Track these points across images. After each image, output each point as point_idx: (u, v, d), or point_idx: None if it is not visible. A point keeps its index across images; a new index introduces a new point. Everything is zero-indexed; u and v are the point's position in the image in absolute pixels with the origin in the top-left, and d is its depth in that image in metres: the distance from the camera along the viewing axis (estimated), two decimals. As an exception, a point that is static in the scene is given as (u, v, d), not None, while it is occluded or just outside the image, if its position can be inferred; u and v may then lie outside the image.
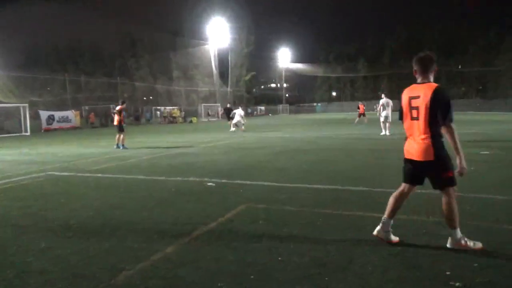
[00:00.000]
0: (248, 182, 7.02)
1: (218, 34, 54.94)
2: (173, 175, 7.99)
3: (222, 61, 59.11)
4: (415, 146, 3.62)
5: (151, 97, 55.49)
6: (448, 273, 3.14)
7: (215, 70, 56.50)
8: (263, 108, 69.86)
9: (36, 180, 7.99)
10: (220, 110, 50.76)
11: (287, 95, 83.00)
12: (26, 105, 28.47)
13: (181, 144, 15.43)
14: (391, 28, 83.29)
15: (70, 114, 33.50)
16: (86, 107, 37.22)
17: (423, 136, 3.54)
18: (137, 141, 16.61)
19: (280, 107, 73.63)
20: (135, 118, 41.27)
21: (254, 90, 78.25)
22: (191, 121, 42.17)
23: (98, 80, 44.99)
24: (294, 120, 39.34)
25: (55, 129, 30.44)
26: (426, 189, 3.88)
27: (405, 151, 3.78)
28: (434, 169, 3.56)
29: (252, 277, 3.18)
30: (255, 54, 67.19)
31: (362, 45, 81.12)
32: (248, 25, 61.82)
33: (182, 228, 4.46)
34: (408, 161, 3.73)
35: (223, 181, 7.20)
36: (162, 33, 55.43)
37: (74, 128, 32.13)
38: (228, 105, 25.46)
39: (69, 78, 43.46)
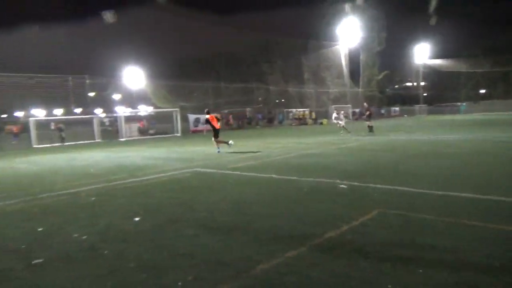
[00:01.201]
0: (380, 186, 6.69)
1: (348, 33, 53.67)
2: (305, 175, 8.11)
3: (353, 61, 57.53)
4: None
5: (283, 100, 57.40)
6: None
7: (345, 71, 55.33)
8: (397, 109, 65.45)
9: (184, 175, 9.08)
10: (350, 112, 49.51)
11: (425, 94, 75.93)
12: (177, 109, 32.64)
13: (311, 145, 15.56)
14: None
15: (213, 117, 37.13)
16: (225, 111, 40.71)
17: None
18: (270, 142, 17.37)
19: (417, 107, 67.78)
20: (268, 120, 43.29)
21: (387, 89, 73.90)
22: (321, 123, 42.19)
23: (236, 86, 48.65)
24: (432, 122, 35.82)
25: (201, 131, 34.11)
26: None
27: None
28: None
29: (389, 286, 3.03)
30: (389, 51, 63.35)
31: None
32: (380, 23, 58.70)
33: (314, 229, 4.50)
34: None
35: (355, 183, 7.01)
36: (293, 38, 56.79)
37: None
38: (365, 104, 24.57)
39: (211, 85, 48.29)
